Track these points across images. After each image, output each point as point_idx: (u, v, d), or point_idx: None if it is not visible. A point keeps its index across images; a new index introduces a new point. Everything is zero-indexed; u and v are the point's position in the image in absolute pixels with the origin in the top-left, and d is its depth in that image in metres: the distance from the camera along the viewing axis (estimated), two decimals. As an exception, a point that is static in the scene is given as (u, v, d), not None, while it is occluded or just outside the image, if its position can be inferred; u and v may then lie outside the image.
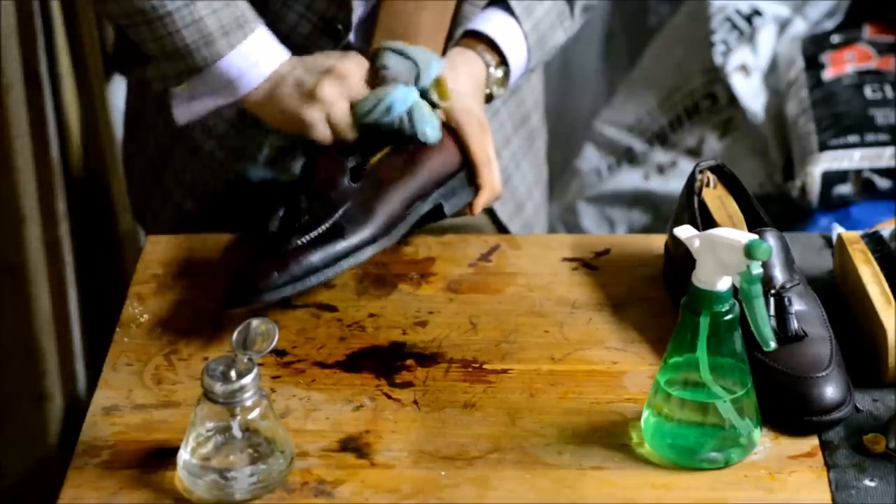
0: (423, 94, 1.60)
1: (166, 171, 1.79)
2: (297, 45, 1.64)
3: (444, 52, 1.70)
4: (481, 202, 1.63)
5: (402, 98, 1.57)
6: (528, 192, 1.88)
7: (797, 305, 1.42)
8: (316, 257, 1.49)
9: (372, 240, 1.53)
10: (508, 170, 1.83)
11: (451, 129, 1.62)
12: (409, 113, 1.58)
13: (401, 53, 1.60)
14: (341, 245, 1.51)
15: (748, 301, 1.28)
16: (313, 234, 1.50)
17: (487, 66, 1.68)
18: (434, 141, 1.59)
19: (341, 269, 1.50)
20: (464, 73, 1.66)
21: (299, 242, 1.49)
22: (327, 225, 1.51)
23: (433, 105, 1.61)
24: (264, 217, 1.53)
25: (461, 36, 1.70)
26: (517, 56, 1.70)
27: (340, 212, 1.52)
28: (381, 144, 1.60)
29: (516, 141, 1.85)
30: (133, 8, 1.57)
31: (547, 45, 1.74)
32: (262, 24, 1.60)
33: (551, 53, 1.77)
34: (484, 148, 1.62)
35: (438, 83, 1.61)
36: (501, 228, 1.83)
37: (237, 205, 1.74)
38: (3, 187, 2.21)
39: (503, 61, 1.69)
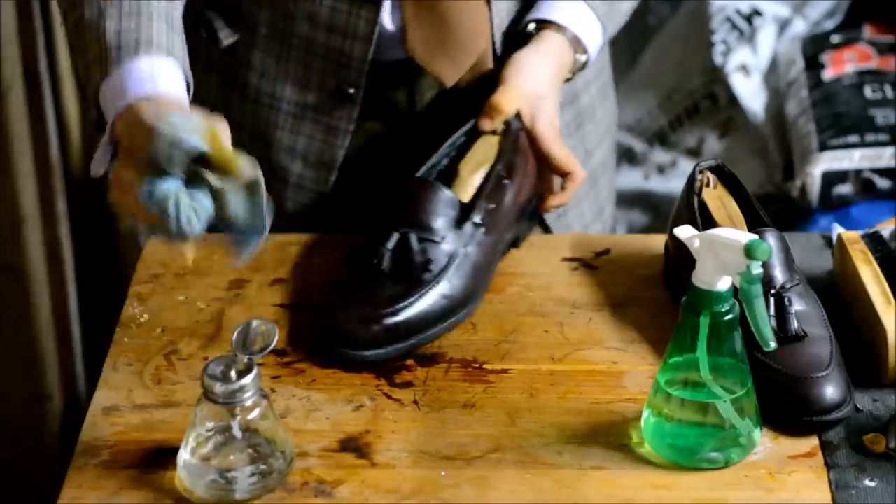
0: (198, 172, 1.28)
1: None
2: (336, 20, 1.61)
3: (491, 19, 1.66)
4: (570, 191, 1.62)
5: (157, 195, 1.27)
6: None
7: (797, 305, 1.42)
8: (422, 321, 1.46)
9: (471, 304, 1.51)
10: None
11: (528, 144, 1.59)
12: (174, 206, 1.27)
13: (167, 129, 1.28)
14: (446, 309, 1.48)
15: (748, 301, 1.28)
16: (423, 291, 1.47)
17: (574, 53, 1.65)
18: (195, 234, 1.29)
19: (434, 337, 1.48)
20: (555, 62, 1.62)
21: (409, 300, 1.46)
22: (436, 284, 1.48)
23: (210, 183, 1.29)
24: (373, 248, 1.49)
25: (538, 24, 1.66)
26: (594, 39, 1.67)
27: (451, 270, 1.49)
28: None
29: (561, 119, 1.77)
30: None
31: (617, 15, 1.70)
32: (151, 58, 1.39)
33: (622, 23, 1.73)
34: (565, 153, 1.60)
35: (215, 149, 1.28)
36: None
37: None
38: (3, 187, 2.21)
39: (583, 47, 1.66)
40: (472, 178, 1.57)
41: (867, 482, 1.31)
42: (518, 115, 1.61)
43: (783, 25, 2.94)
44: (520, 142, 1.59)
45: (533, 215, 1.63)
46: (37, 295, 2.29)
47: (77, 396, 2.41)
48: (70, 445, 1.37)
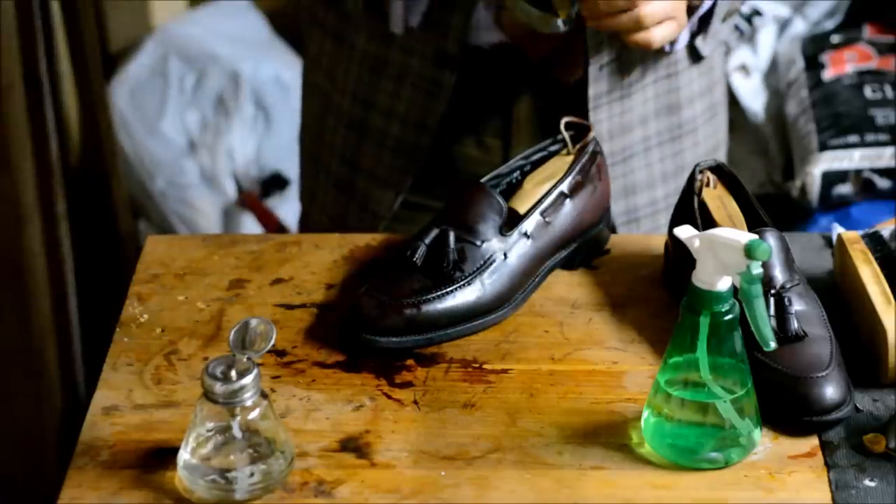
0: None
1: (359, 177, 1.78)
2: None
3: None
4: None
5: None
6: (647, 181, 1.81)
7: (797, 305, 1.42)
8: (445, 317, 1.46)
9: (501, 310, 1.50)
10: (635, 148, 1.77)
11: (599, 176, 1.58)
12: None
13: None
14: (472, 310, 1.47)
15: (748, 301, 1.28)
16: (451, 288, 1.47)
17: None
18: None
19: (456, 336, 1.48)
20: None
21: (434, 295, 1.46)
22: (467, 284, 1.47)
23: None
24: (411, 241, 1.50)
25: None
26: None
27: (486, 273, 1.48)
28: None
29: (654, 125, 1.78)
30: None
31: None
32: None
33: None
34: None
35: None
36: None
37: (439, 179, 1.73)
38: (3, 187, 2.21)
39: None
40: (534, 191, 1.56)
41: (867, 482, 1.31)
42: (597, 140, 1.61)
43: (783, 25, 2.95)
44: (594, 166, 1.58)
45: (598, 243, 1.60)
46: (37, 295, 2.29)
47: (77, 396, 2.41)
48: (70, 445, 1.37)
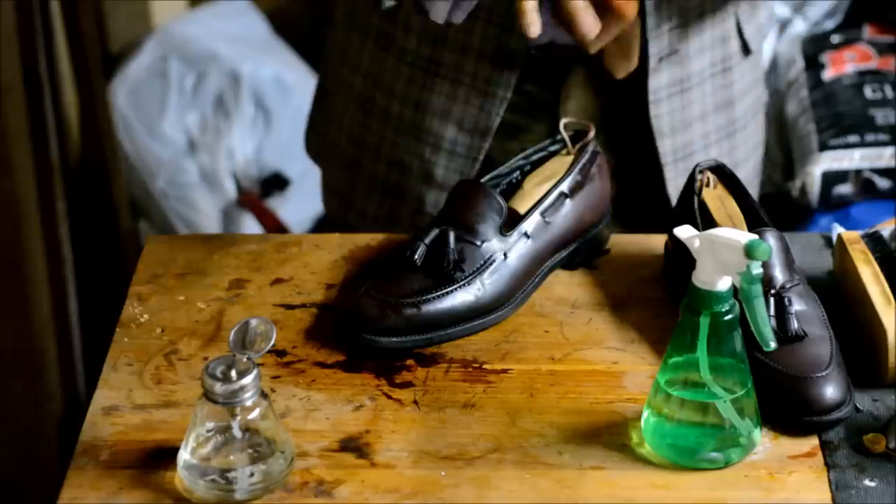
0: None
1: (409, 180, 1.76)
2: None
3: None
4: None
5: None
6: None
7: (797, 305, 1.42)
8: (445, 317, 1.46)
9: (501, 310, 1.50)
10: (695, 145, 1.76)
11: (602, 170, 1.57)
12: None
13: None
14: (472, 310, 1.47)
15: (748, 301, 1.28)
16: (451, 288, 1.47)
17: None
18: None
19: (456, 336, 1.48)
20: None
21: (434, 295, 1.46)
22: (467, 284, 1.47)
23: None
24: (412, 241, 1.50)
25: None
26: None
27: (486, 273, 1.48)
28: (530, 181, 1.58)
29: (713, 121, 1.78)
30: None
31: None
32: None
33: None
34: None
35: None
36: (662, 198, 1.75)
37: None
38: (3, 187, 2.21)
39: None
40: (534, 191, 1.56)
41: (867, 482, 1.31)
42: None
43: (783, 25, 2.94)
44: (594, 166, 1.58)
45: (598, 243, 1.60)
46: (37, 295, 2.30)
47: (77, 396, 2.41)
48: (70, 445, 1.37)
